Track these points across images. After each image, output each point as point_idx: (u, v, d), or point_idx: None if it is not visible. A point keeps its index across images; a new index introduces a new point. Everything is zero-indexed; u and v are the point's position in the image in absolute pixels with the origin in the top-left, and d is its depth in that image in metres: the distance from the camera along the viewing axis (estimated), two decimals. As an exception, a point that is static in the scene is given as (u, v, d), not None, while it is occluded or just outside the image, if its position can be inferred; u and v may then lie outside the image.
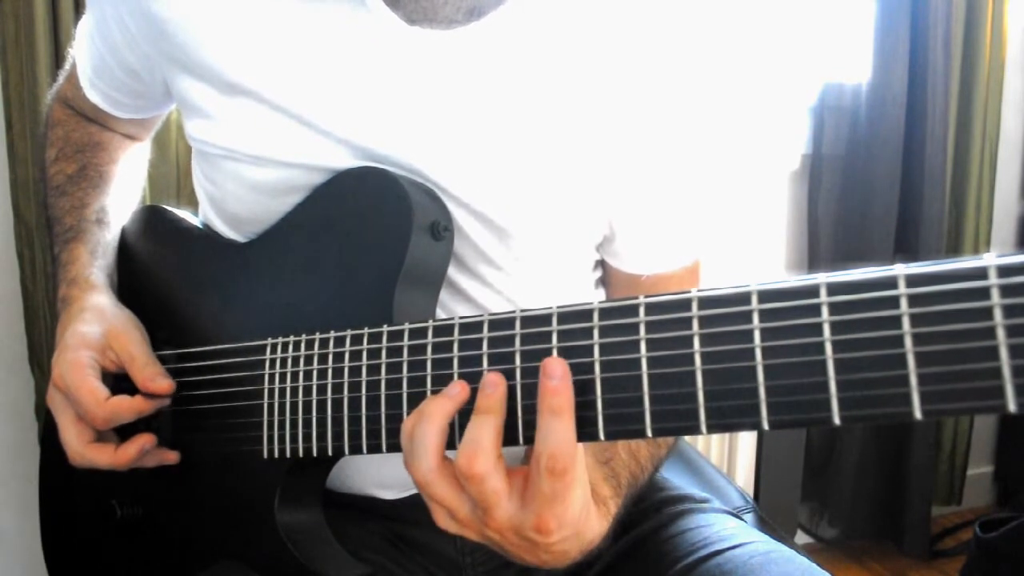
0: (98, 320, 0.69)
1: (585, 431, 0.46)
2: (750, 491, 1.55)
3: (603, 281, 0.75)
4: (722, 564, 0.66)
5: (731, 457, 1.60)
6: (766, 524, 0.82)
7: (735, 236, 1.67)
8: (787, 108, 1.73)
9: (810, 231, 1.76)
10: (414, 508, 0.73)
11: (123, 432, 0.67)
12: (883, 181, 1.70)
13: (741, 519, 0.77)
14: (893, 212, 1.72)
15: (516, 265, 0.67)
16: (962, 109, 1.77)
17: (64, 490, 0.80)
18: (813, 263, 1.76)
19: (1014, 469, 2.05)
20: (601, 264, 0.74)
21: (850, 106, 1.72)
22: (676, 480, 0.80)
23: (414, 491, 0.73)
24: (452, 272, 0.65)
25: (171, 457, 0.68)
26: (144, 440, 0.65)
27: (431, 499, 0.50)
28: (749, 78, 1.53)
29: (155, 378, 0.65)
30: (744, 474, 1.61)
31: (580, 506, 0.48)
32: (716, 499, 0.80)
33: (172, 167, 1.27)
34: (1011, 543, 1.49)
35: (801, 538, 1.87)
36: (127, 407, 0.64)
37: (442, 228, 0.60)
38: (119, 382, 0.67)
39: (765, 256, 1.78)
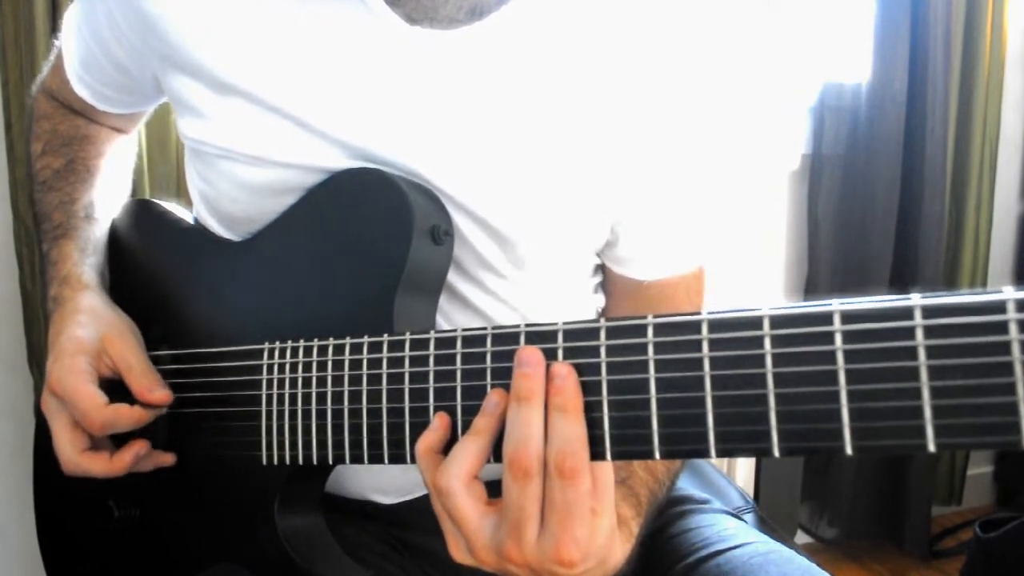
0: (92, 323, 0.68)
1: (592, 450, 0.45)
2: (750, 491, 1.55)
3: (603, 287, 0.75)
4: (722, 564, 0.66)
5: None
6: (766, 524, 0.82)
7: (735, 236, 1.67)
8: (787, 108, 1.73)
9: (810, 231, 1.76)
10: (412, 512, 0.72)
11: (116, 437, 0.66)
12: (883, 181, 1.70)
13: (741, 519, 0.77)
14: (893, 212, 1.71)
15: (516, 271, 0.66)
16: (962, 109, 1.76)
17: (60, 490, 0.80)
18: (813, 263, 1.76)
19: (1014, 469, 2.05)
20: (602, 270, 0.73)
21: (850, 106, 1.71)
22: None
23: (412, 496, 0.73)
24: (452, 278, 0.64)
25: (167, 460, 0.68)
26: (138, 447, 0.65)
27: (452, 515, 0.48)
28: (749, 78, 1.52)
29: (153, 388, 0.65)
30: (744, 474, 1.61)
31: (606, 535, 0.47)
32: (716, 499, 0.80)
33: (172, 167, 1.27)
34: (1011, 543, 1.49)
35: (801, 538, 1.87)
36: (126, 415, 0.63)
37: (443, 232, 0.60)
38: (114, 388, 0.66)
39: (765, 256, 1.78)
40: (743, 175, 1.66)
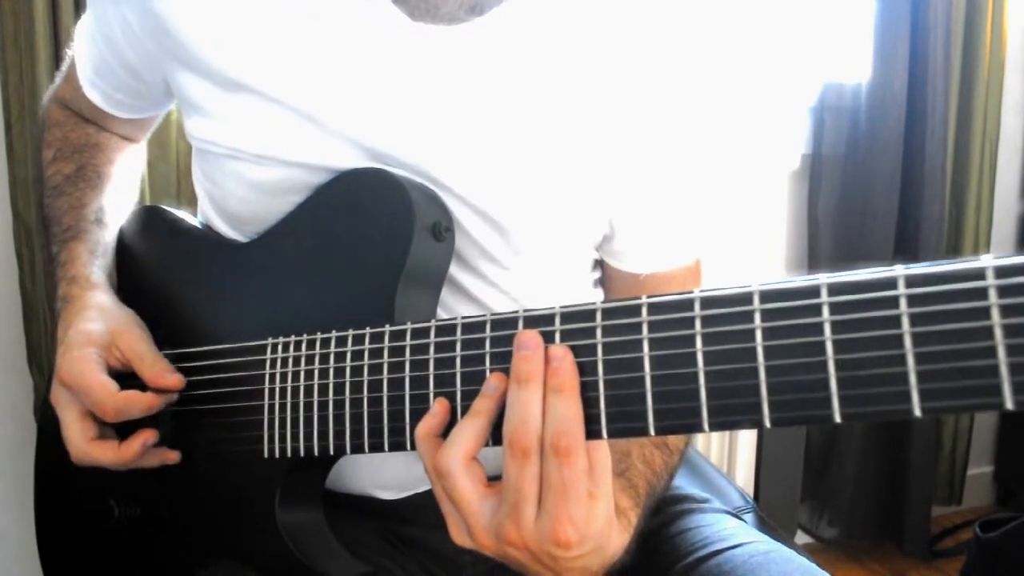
0: (101, 318, 0.68)
1: (588, 429, 0.46)
2: (750, 491, 1.55)
3: (602, 282, 0.75)
4: (722, 564, 0.66)
5: (731, 457, 1.60)
6: (766, 524, 0.82)
7: (735, 236, 1.67)
8: (787, 108, 1.73)
9: (810, 231, 1.76)
10: (414, 508, 0.73)
11: (122, 431, 0.66)
12: (883, 181, 1.70)
13: (741, 519, 0.77)
14: (893, 212, 1.72)
15: (517, 262, 0.67)
16: (962, 109, 1.77)
17: (61, 490, 0.80)
18: (813, 263, 1.76)
19: (1014, 469, 2.05)
20: (600, 265, 0.74)
21: (850, 106, 1.72)
22: (676, 480, 0.80)
23: (413, 491, 0.73)
24: (453, 269, 0.65)
25: (172, 457, 0.68)
26: (147, 435, 0.65)
27: (451, 496, 0.49)
28: (749, 78, 1.53)
29: (164, 374, 0.65)
30: (744, 474, 1.61)
31: (603, 520, 0.48)
32: (716, 499, 0.80)
33: (172, 167, 1.27)
34: (1011, 543, 1.49)
35: (801, 538, 1.87)
36: (138, 400, 0.64)
37: (443, 228, 0.61)
38: (123, 382, 0.66)
39: (765, 256, 1.78)
40: (743, 174, 1.67)
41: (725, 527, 0.72)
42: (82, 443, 0.65)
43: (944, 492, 1.93)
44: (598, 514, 0.47)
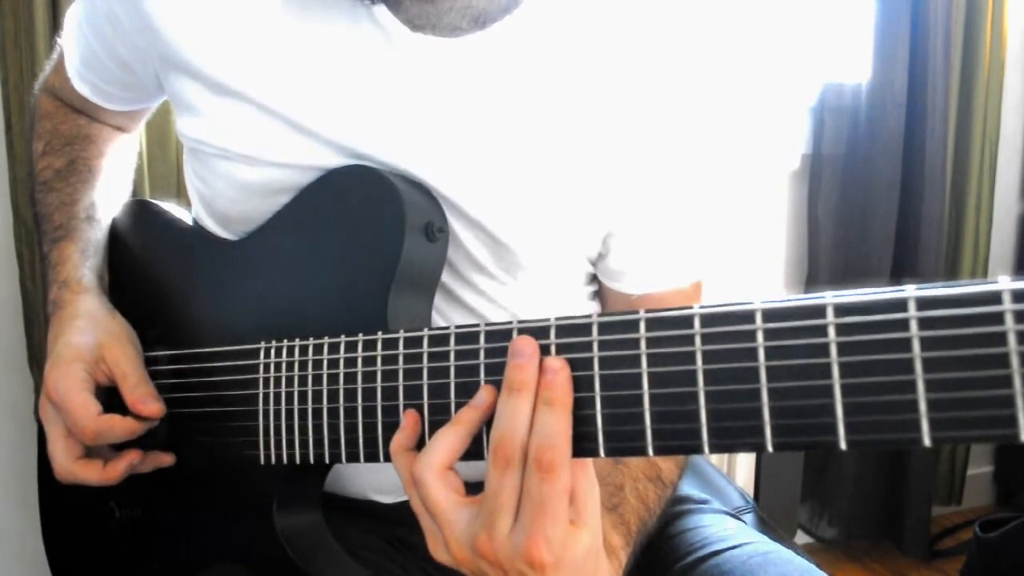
0: (91, 329, 0.68)
1: (584, 447, 0.45)
2: (750, 491, 1.55)
3: (598, 295, 0.74)
4: (721, 564, 0.66)
5: (731, 457, 1.60)
6: (766, 524, 0.82)
7: (735, 236, 1.67)
8: (787, 108, 1.73)
9: (810, 231, 1.76)
10: (413, 512, 0.72)
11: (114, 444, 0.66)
12: (883, 181, 1.70)
13: (741, 519, 0.77)
14: (893, 212, 1.72)
15: (509, 275, 0.66)
16: (962, 109, 1.77)
17: (63, 491, 0.80)
18: (813, 263, 1.76)
19: (1014, 469, 2.05)
20: (595, 279, 0.73)
21: (850, 106, 1.71)
22: (675, 481, 0.80)
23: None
24: (447, 279, 0.64)
25: (166, 460, 0.68)
26: (132, 457, 0.65)
27: (426, 505, 0.48)
28: (749, 78, 1.53)
29: (146, 400, 0.65)
30: (744, 474, 1.61)
31: (585, 551, 0.46)
32: (716, 499, 0.80)
33: (172, 167, 1.27)
34: (1011, 543, 1.49)
35: (801, 538, 1.87)
36: (119, 426, 0.63)
37: (436, 229, 0.59)
38: (112, 395, 0.66)
39: (765, 256, 1.78)
40: (743, 176, 1.66)
41: (724, 527, 0.72)
42: (67, 462, 0.65)
43: (944, 492, 1.93)
44: (579, 542, 0.45)
